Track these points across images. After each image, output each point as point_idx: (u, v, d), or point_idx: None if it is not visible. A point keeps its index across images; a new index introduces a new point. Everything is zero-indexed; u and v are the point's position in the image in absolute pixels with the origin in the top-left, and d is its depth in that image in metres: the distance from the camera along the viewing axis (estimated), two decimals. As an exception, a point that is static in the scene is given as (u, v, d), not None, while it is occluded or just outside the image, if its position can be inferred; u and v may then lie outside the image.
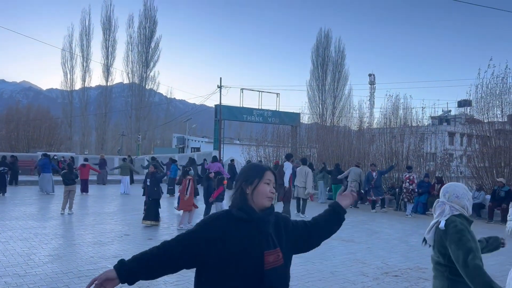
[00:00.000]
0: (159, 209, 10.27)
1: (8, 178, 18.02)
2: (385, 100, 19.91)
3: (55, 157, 24.49)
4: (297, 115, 29.49)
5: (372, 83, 58.81)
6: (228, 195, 10.04)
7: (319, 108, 50.03)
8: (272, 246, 1.91)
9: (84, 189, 17.04)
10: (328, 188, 16.95)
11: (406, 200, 13.44)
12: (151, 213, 10.01)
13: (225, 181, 10.82)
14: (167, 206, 13.41)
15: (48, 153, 23.02)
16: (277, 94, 29.53)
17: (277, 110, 28.83)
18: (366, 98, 48.88)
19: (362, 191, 14.85)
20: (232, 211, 1.96)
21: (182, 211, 10.14)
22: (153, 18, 52.59)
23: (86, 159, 19.56)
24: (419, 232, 9.70)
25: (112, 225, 10.02)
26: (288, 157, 12.50)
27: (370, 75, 59.65)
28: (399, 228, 11.08)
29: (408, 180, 13.41)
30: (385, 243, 8.90)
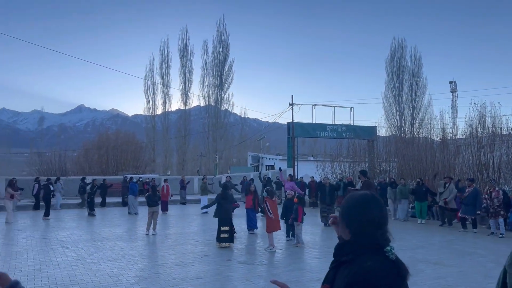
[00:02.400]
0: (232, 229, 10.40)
1: (101, 200, 19.62)
2: (470, 108, 18.44)
3: (140, 179, 26.07)
4: (373, 128, 28.48)
5: (453, 91, 55.05)
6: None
7: (396, 120, 47.99)
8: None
9: (164, 208, 18.00)
10: (411, 205, 16.04)
11: (493, 217, 12.13)
12: (219, 235, 10.21)
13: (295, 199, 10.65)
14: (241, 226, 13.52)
15: (132, 175, 24.62)
16: (351, 108, 28.82)
17: (352, 124, 28.11)
18: (448, 107, 45.89)
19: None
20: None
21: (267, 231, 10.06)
22: (226, 43, 54.77)
23: (165, 180, 20.60)
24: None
25: (192, 246, 10.33)
26: (364, 174, 11.93)
27: (451, 82, 55.89)
28: (493, 249, 10.04)
29: (494, 194, 12.11)
30: (479, 266, 8.10)
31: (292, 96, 27.90)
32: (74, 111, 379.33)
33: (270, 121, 49.37)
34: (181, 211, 19.44)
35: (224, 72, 54.30)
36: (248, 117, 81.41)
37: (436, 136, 22.89)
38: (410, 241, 10.91)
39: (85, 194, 19.47)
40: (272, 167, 40.53)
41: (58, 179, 20.85)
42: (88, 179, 21.31)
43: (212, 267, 8.00)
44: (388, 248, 1.73)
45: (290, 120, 27.18)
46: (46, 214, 16.26)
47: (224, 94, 54.55)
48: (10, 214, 14.85)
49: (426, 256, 9.03)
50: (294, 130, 26.11)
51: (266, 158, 46.43)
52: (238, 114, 78.33)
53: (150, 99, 55.41)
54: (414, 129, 43.33)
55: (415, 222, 15.10)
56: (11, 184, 15.61)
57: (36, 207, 19.33)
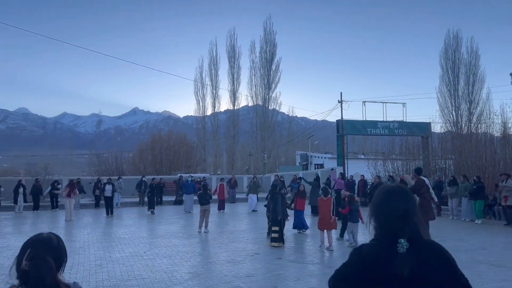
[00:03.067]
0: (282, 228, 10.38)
1: (158, 199, 20.47)
2: (535, 101, 17.28)
3: (192, 178, 26.77)
4: (428, 124, 27.41)
5: (515, 82, 51.56)
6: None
7: (452, 115, 45.76)
8: None
9: (221, 207, 18.38)
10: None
11: None
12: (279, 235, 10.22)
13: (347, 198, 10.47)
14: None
15: (184, 174, 25.33)
16: (403, 104, 27.90)
17: (404, 120, 27.21)
18: (509, 100, 43.13)
19: None
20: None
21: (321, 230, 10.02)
22: (273, 42, 54.88)
23: (222, 179, 20.97)
24: None
25: (243, 244, 10.47)
26: (418, 172, 11.44)
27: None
28: None
29: None
30: (548, 270, 7.55)
31: (341, 93, 27.46)
32: (129, 113, 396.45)
33: (318, 119, 48.84)
34: (231, 209, 19.74)
35: (272, 71, 54.45)
36: (296, 116, 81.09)
37: (496, 131, 21.65)
38: (469, 242, 10.39)
39: (143, 193, 20.39)
40: (321, 165, 40.09)
41: (119, 178, 21.94)
42: (140, 178, 22.28)
43: (263, 265, 8.08)
44: (402, 240, 1.77)
45: (339, 118, 26.77)
46: (110, 212, 17.17)
47: (272, 93, 54.72)
48: (69, 212, 15.76)
49: (487, 257, 8.56)
50: (344, 128, 25.72)
51: (315, 156, 46.00)
52: (286, 113, 78.12)
53: (200, 100, 56.72)
54: (472, 125, 41.06)
55: (472, 222, 14.40)
56: (71, 184, 16.63)
57: (96, 205, 20.48)
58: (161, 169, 44.31)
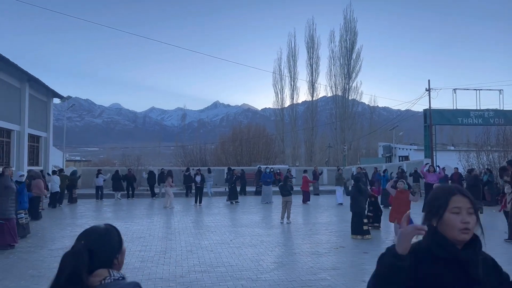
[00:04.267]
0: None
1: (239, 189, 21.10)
2: None
3: (272, 170, 27.13)
4: (529, 112, 24.77)
5: None
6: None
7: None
8: None
9: (306, 199, 18.44)
10: None
11: None
12: (355, 227, 10.03)
13: None
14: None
15: (262, 166, 25.73)
16: (500, 90, 25.52)
17: (501, 109, 24.89)
18: None
19: None
20: (431, 247, 1.65)
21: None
22: (353, 30, 53.35)
23: (305, 171, 20.89)
24: None
25: (327, 236, 10.39)
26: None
27: None
28: None
29: None
30: None
31: (428, 80, 25.83)
32: (211, 107, 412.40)
33: (401, 109, 46.53)
34: (314, 202, 19.65)
35: (352, 61, 53.02)
36: (377, 106, 77.80)
37: None
38: None
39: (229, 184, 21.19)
40: (406, 157, 38.21)
41: (209, 170, 23.03)
42: (227, 170, 23.05)
43: (349, 259, 7.95)
44: None
45: (427, 107, 25.28)
46: (199, 201, 18.09)
47: (352, 83, 53.36)
48: (169, 199, 16.93)
49: None
50: (432, 118, 24.23)
51: (399, 148, 43.94)
52: (367, 103, 75.56)
53: (279, 92, 57.08)
54: None
55: None
56: (171, 174, 17.93)
57: (186, 194, 21.74)
58: (241, 161, 45.46)
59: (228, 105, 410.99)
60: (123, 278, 1.64)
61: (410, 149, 40.85)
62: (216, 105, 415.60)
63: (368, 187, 17.16)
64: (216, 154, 50.74)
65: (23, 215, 10.05)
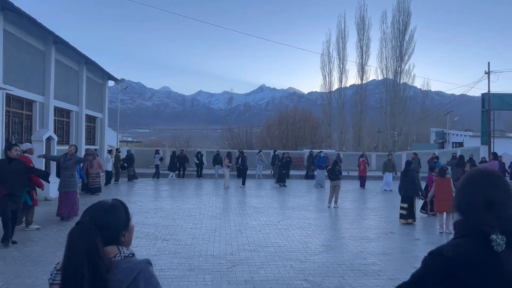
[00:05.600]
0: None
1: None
2: None
3: (325, 154, 26.83)
4: None
5: None
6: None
7: None
8: None
9: (362, 184, 18.49)
10: None
11: None
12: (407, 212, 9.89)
13: None
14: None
15: (314, 150, 25.51)
16: None
17: None
18: None
19: None
20: None
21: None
22: (407, 10, 50.98)
23: (362, 155, 20.46)
24: None
25: (376, 222, 10.22)
26: None
27: None
28: None
29: None
30: None
31: (488, 63, 24.35)
32: (256, 91, 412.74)
33: (456, 94, 44.26)
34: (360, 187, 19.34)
35: (405, 42, 50.82)
36: (430, 90, 74.48)
37: None
38: None
39: (276, 167, 21.28)
40: (461, 144, 36.47)
41: (260, 151, 23.19)
42: (273, 152, 23.09)
43: (399, 245, 7.79)
44: (494, 236, 1.42)
45: (485, 91, 23.86)
46: (243, 183, 18.38)
47: (404, 66, 51.24)
48: (227, 180, 17.63)
49: None
50: (491, 102, 22.88)
51: (453, 134, 41.98)
52: (419, 87, 72.60)
53: (327, 75, 55.97)
54: None
55: None
56: (229, 155, 18.30)
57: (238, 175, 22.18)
58: (287, 144, 45.35)
59: (274, 89, 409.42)
60: (133, 255, 1.63)
61: (465, 135, 38.91)
62: (262, 88, 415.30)
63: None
64: (262, 137, 50.91)
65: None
